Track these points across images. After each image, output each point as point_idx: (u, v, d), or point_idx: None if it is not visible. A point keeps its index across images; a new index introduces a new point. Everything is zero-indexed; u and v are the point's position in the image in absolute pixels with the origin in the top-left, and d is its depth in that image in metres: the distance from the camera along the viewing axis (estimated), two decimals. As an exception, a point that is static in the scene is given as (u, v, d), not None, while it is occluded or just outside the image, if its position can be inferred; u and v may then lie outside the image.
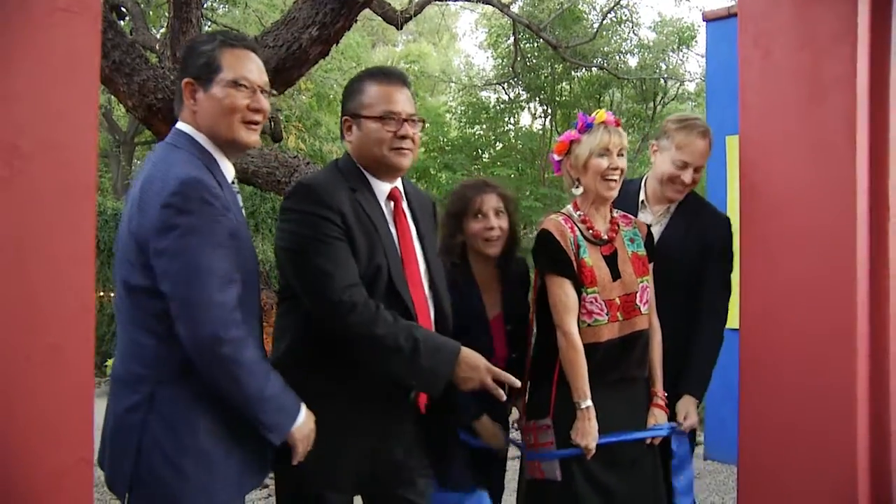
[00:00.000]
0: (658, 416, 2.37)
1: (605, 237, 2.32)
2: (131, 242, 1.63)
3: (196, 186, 1.60)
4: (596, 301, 2.25)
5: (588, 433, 2.20)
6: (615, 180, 2.29)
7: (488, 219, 2.42)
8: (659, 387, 2.41)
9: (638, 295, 2.30)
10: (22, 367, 0.84)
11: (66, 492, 0.87)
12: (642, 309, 2.31)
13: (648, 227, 2.47)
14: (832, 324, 2.17)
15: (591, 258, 2.27)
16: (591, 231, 2.31)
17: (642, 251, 2.37)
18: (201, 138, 1.77)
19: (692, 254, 2.52)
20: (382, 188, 1.98)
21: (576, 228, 2.30)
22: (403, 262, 1.95)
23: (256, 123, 1.80)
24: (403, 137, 1.92)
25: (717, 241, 2.58)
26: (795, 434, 2.15)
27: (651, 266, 2.40)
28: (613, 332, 2.27)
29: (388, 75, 1.98)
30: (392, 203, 2.00)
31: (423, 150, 11.44)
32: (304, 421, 1.75)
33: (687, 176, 2.53)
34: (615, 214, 2.39)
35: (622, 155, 2.31)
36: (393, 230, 1.97)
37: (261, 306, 1.91)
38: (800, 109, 2.24)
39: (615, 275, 2.28)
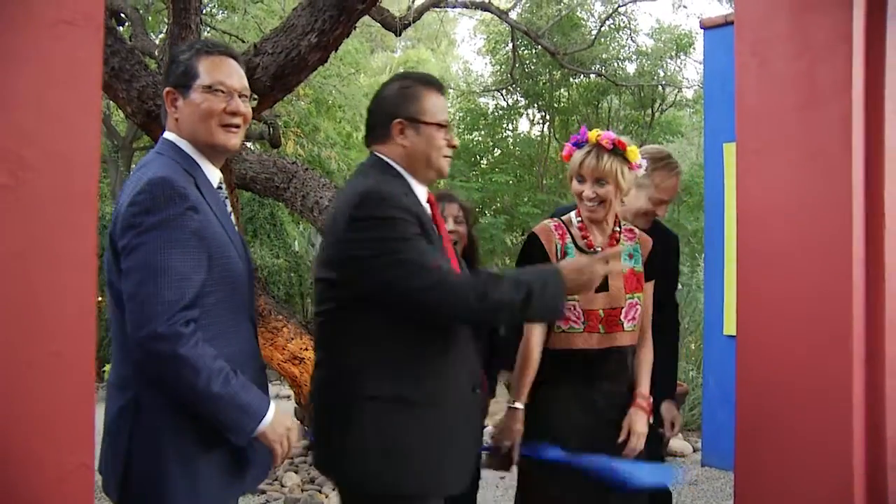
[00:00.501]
0: (636, 419, 2.30)
1: (599, 249, 2.30)
2: (109, 244, 1.66)
3: (161, 184, 1.61)
4: (574, 309, 2.24)
5: (506, 432, 2.23)
6: (589, 207, 2.28)
7: (448, 223, 2.63)
8: (643, 388, 2.36)
9: (623, 311, 2.28)
10: (24, 373, 0.85)
11: (66, 497, 0.88)
12: (625, 325, 2.29)
13: (654, 243, 2.45)
14: (829, 330, 2.17)
15: None
16: (585, 240, 2.30)
17: (640, 268, 2.35)
18: (184, 144, 1.80)
19: (652, 273, 2.59)
20: (422, 192, 2.02)
21: (567, 235, 2.30)
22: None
23: (236, 127, 1.83)
24: (455, 147, 2.03)
25: (670, 258, 2.79)
26: (792, 441, 2.16)
27: (651, 284, 2.39)
28: (591, 342, 2.26)
29: (440, 85, 2.04)
30: (429, 206, 2.04)
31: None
32: (275, 420, 1.72)
33: (662, 210, 2.69)
34: (618, 228, 2.37)
35: (599, 182, 2.24)
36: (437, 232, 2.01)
37: (254, 308, 1.92)
38: (796, 116, 2.25)
39: (602, 287, 2.26)
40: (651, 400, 2.37)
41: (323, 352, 2.00)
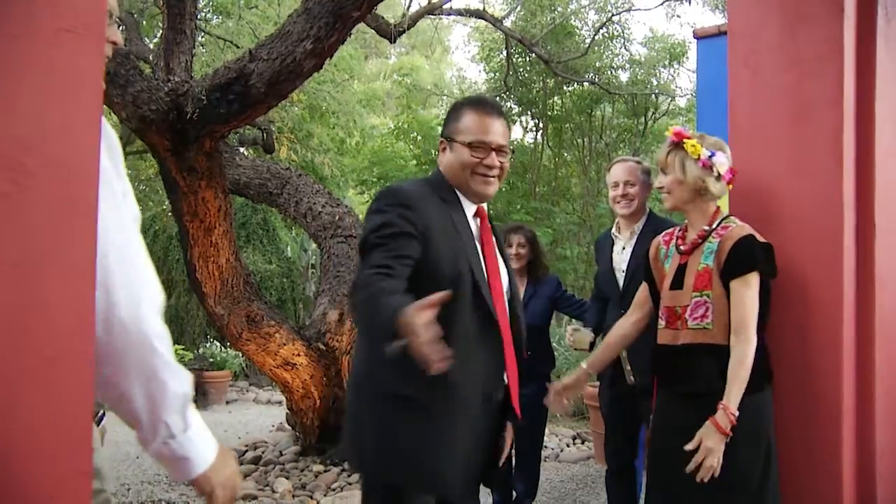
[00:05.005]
0: (708, 433, 2.06)
1: (682, 249, 2.31)
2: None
3: None
4: (662, 307, 2.32)
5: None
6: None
7: (513, 247, 3.57)
8: (727, 400, 2.07)
9: (689, 308, 2.21)
10: (20, 380, 0.85)
11: (62, 503, 0.88)
12: (689, 323, 2.20)
13: (737, 241, 2.20)
14: (819, 338, 2.19)
15: (670, 266, 2.32)
16: (682, 241, 2.35)
17: (711, 265, 2.21)
18: None
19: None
20: (470, 206, 2.06)
21: (672, 241, 2.38)
22: (488, 274, 2.00)
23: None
24: (490, 167, 2.02)
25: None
26: (783, 449, 2.17)
27: (738, 282, 2.17)
28: (665, 338, 2.28)
29: (485, 106, 2.06)
30: (479, 220, 2.07)
31: (414, 162, 11.46)
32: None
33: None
34: (712, 226, 2.27)
35: (664, 171, 2.34)
36: (478, 244, 2.03)
37: None
38: (788, 126, 2.27)
39: (678, 284, 2.27)
40: (733, 414, 2.06)
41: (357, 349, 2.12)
